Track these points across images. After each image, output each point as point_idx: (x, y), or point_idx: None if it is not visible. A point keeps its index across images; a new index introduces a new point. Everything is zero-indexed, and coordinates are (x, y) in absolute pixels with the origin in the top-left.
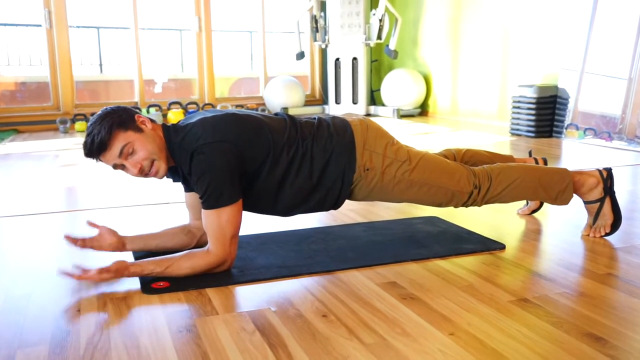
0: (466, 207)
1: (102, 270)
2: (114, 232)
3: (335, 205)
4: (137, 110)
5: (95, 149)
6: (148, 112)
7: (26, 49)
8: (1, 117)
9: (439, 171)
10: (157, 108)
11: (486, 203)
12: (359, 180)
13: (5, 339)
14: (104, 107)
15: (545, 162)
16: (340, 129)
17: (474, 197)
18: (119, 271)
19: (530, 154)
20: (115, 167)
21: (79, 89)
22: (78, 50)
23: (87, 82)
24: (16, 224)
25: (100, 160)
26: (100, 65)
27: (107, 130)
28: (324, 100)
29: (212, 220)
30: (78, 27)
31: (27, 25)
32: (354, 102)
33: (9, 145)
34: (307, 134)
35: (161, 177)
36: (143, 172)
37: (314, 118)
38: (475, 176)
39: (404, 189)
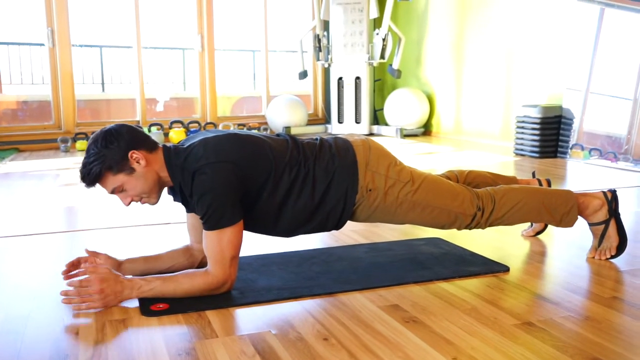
0: (469, 229)
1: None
2: (112, 261)
3: (337, 225)
4: (136, 138)
5: (87, 182)
6: (149, 131)
7: (28, 67)
8: (2, 135)
9: (442, 193)
10: (159, 127)
11: (490, 225)
12: (361, 201)
13: None
14: (104, 129)
15: (549, 183)
16: (343, 150)
17: (478, 220)
18: (118, 279)
19: (533, 174)
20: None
21: (81, 107)
22: (80, 69)
23: (88, 100)
24: (16, 244)
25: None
26: (103, 84)
27: (98, 171)
28: (326, 120)
29: (213, 242)
30: (81, 45)
31: (29, 44)
32: (357, 121)
33: (10, 164)
34: (309, 154)
35: (154, 205)
36: (134, 201)
37: (316, 139)
38: (479, 198)
39: (406, 210)
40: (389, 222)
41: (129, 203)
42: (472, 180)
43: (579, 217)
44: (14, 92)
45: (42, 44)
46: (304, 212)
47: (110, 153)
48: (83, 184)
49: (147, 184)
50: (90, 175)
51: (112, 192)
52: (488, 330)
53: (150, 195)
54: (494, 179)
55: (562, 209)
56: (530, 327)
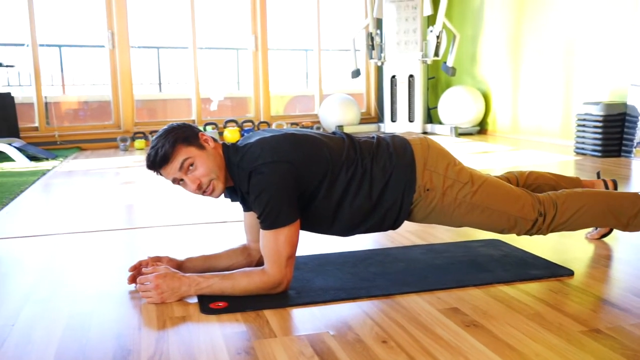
0: (530, 235)
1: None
2: (173, 262)
3: (394, 225)
4: (200, 129)
5: (158, 161)
6: (205, 129)
7: (89, 69)
8: (65, 135)
9: (502, 196)
10: (214, 126)
11: (552, 231)
12: (418, 200)
13: (70, 355)
14: (169, 123)
15: (616, 185)
16: (400, 149)
17: (539, 225)
18: (176, 276)
19: (598, 175)
20: (174, 181)
21: (138, 107)
22: (138, 70)
23: (145, 100)
24: (78, 241)
25: (160, 173)
26: (160, 84)
27: (171, 144)
28: (379, 118)
29: (269, 241)
30: (139, 47)
31: (91, 46)
32: (410, 120)
33: (72, 162)
34: (367, 153)
35: (217, 197)
36: (201, 189)
37: (373, 137)
38: (540, 203)
39: (464, 212)
40: (446, 224)
41: (197, 187)
42: (532, 182)
43: None
44: (76, 93)
45: (103, 46)
46: (361, 211)
47: (181, 130)
48: (151, 168)
49: (217, 163)
50: (164, 148)
51: (181, 167)
52: (553, 337)
53: (219, 178)
54: (556, 180)
55: (628, 212)
56: (598, 335)
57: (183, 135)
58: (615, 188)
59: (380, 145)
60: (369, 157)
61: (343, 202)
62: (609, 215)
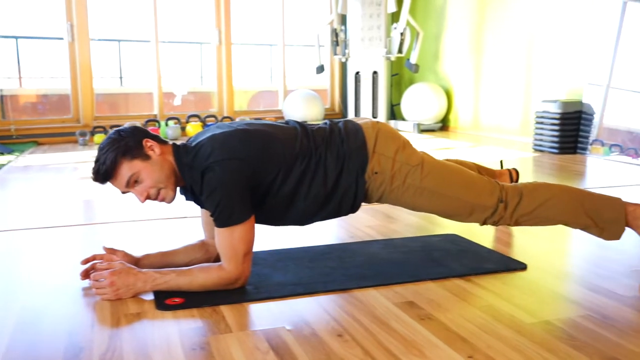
0: (495, 225)
1: (118, 272)
2: (129, 257)
3: (353, 208)
4: (147, 132)
5: (101, 177)
6: (167, 124)
7: (48, 61)
8: (22, 129)
9: (456, 181)
10: (176, 121)
11: (517, 223)
12: (368, 183)
13: (19, 353)
14: (114, 129)
15: (518, 174)
16: (352, 132)
17: (500, 213)
18: (131, 271)
19: (501, 165)
20: (123, 193)
21: (99, 101)
22: (99, 63)
23: (106, 94)
24: (34, 237)
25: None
26: (121, 78)
27: (112, 159)
28: (343, 114)
29: (224, 239)
30: (99, 40)
31: (49, 38)
32: (374, 116)
33: (29, 157)
34: (320, 141)
35: (169, 203)
36: (150, 199)
37: (326, 123)
38: (502, 190)
39: (413, 196)
40: (402, 207)
41: (145, 198)
42: None
43: (626, 228)
44: (34, 86)
45: (62, 38)
46: (317, 200)
47: (124, 141)
48: (97, 181)
49: (164, 172)
50: (106, 164)
51: (127, 183)
52: (504, 328)
53: (167, 187)
54: (476, 169)
55: (606, 214)
56: (548, 326)
57: (125, 147)
58: (517, 177)
59: (333, 132)
60: (323, 145)
61: (297, 193)
62: (582, 214)
